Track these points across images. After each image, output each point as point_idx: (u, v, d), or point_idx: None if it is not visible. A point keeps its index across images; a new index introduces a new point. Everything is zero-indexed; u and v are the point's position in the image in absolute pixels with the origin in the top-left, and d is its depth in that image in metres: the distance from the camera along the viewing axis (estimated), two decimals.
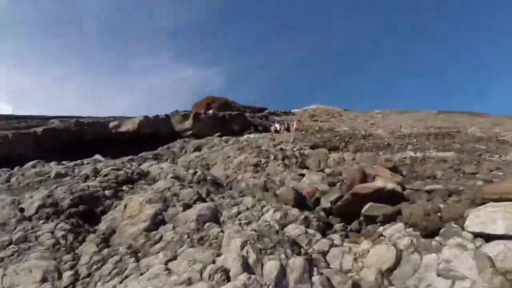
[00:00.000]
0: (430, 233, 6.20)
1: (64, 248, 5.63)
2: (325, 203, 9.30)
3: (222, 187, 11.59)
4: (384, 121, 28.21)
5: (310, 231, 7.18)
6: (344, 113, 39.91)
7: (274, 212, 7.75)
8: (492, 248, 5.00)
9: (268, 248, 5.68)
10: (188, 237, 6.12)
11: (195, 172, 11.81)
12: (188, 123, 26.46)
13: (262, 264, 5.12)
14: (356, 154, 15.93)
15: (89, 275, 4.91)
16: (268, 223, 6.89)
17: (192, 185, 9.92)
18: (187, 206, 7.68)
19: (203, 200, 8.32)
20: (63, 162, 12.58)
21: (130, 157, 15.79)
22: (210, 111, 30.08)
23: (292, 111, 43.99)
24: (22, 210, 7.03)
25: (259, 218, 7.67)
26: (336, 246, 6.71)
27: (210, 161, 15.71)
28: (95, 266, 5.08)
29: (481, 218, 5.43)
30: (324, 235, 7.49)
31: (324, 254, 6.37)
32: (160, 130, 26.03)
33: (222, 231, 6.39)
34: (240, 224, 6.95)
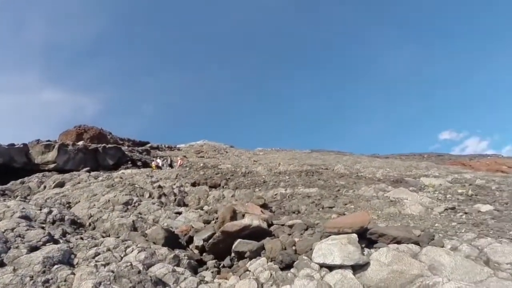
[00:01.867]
0: (286, 266, 6.47)
1: None
2: (198, 241, 9.08)
3: (83, 227, 10.43)
4: (265, 159, 30.18)
5: (179, 269, 6.94)
6: (230, 149, 41.19)
7: (139, 252, 7.23)
8: (332, 277, 5.43)
9: None
10: (31, 279, 5.57)
11: (50, 211, 10.46)
12: (51, 155, 22.13)
13: None
14: (236, 191, 16.36)
15: None
16: (129, 264, 6.41)
17: (44, 225, 9.07)
18: (33, 248, 6.84)
19: (55, 242, 7.64)
20: None
21: None
22: (81, 143, 26.26)
23: (178, 146, 42.74)
24: None
25: (121, 259, 7.05)
26: (206, 282, 6.64)
27: (73, 199, 13.83)
28: None
29: (322, 250, 5.91)
30: (196, 273, 7.37)
31: None
32: (15, 162, 21.56)
33: (74, 273, 5.98)
34: (96, 265, 6.30)
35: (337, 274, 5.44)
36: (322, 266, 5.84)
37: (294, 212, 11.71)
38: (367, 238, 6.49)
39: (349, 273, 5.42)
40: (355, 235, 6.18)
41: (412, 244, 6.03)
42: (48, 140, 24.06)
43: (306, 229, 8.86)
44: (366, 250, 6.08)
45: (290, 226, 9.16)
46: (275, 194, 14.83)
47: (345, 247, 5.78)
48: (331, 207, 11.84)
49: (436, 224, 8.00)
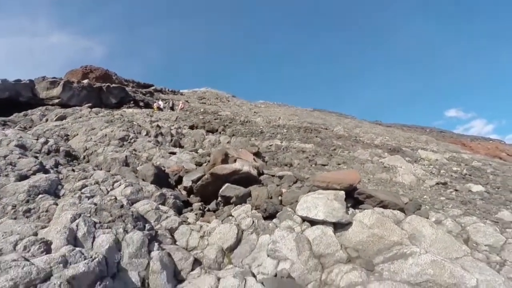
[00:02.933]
0: (269, 215, 6.48)
1: None
2: (186, 181, 9.08)
3: (77, 160, 10.40)
4: (266, 112, 29.81)
5: (164, 208, 6.97)
6: (232, 99, 40.62)
7: (126, 187, 7.26)
8: (312, 232, 5.41)
9: (105, 222, 5.42)
10: (13, 208, 5.65)
11: (47, 142, 10.42)
12: (56, 91, 22.45)
13: (94, 238, 4.88)
14: (232, 137, 16.31)
15: None
16: (114, 198, 6.42)
17: (38, 155, 9.04)
18: (22, 177, 6.97)
19: (46, 172, 7.65)
20: None
21: None
22: (86, 81, 25.95)
23: (181, 91, 42.24)
24: None
25: (107, 193, 7.08)
26: (188, 223, 6.65)
27: (71, 132, 13.79)
28: None
29: (308, 203, 5.82)
30: (180, 213, 7.38)
31: (172, 231, 6.22)
32: (21, 96, 21.58)
33: (56, 204, 5.98)
34: (80, 197, 6.32)
35: (318, 229, 5.42)
36: (304, 219, 5.82)
37: (286, 165, 11.73)
38: (354, 198, 6.42)
39: (329, 230, 5.40)
40: (342, 192, 6.08)
41: (398, 211, 5.99)
42: (54, 77, 23.79)
43: (295, 182, 8.82)
44: (351, 210, 6.03)
45: (280, 177, 9.13)
46: (270, 145, 14.78)
47: (330, 203, 5.71)
48: (324, 165, 11.83)
49: (425, 196, 8.00)
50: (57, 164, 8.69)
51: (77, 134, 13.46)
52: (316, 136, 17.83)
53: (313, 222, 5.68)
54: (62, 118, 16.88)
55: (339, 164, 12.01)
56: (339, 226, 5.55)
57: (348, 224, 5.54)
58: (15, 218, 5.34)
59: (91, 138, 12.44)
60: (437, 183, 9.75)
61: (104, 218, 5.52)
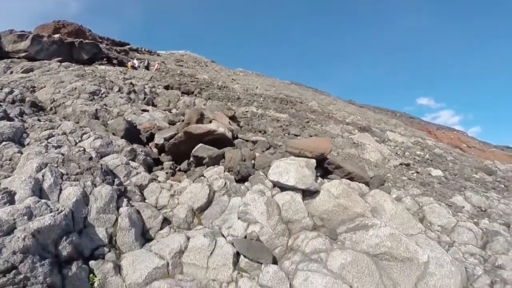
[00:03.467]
0: (242, 178, 6.55)
1: None
2: (159, 139, 8.82)
3: (44, 111, 9.75)
4: (244, 80, 29.29)
5: (134, 164, 6.77)
6: (211, 64, 39.39)
7: (95, 139, 6.91)
8: (282, 197, 5.55)
9: (73, 174, 5.24)
10: None
11: (12, 91, 9.79)
12: (23, 44, 20.46)
13: (61, 190, 4.71)
14: (208, 101, 15.99)
15: None
16: (82, 149, 6.11)
17: (1, 103, 8.61)
18: None
19: (10, 120, 7.20)
20: None
21: None
22: (57, 35, 23.95)
23: (158, 52, 40.20)
24: None
25: (75, 144, 6.72)
26: (158, 182, 6.54)
27: (38, 84, 12.82)
28: None
29: (279, 168, 5.90)
30: (150, 171, 7.19)
31: (142, 188, 6.10)
32: None
33: (21, 152, 5.69)
34: (46, 146, 6.00)
35: (287, 195, 5.56)
36: (275, 185, 5.92)
37: (260, 131, 11.80)
38: (324, 168, 6.62)
39: (298, 196, 5.56)
40: (313, 161, 6.20)
41: (363, 184, 6.28)
42: (23, 31, 21.62)
43: (269, 148, 8.90)
44: (320, 179, 6.23)
45: (254, 142, 9.19)
46: (246, 111, 14.72)
47: (301, 170, 5.81)
48: (297, 135, 12.02)
49: (388, 174, 8.40)
50: (22, 113, 8.16)
51: (45, 86, 12.51)
52: (291, 108, 17.91)
53: (283, 188, 5.81)
54: (28, 70, 15.64)
55: (311, 136, 12.22)
56: (307, 194, 5.72)
57: (316, 192, 5.72)
58: None
59: (60, 91, 11.64)
60: (401, 164, 10.26)
61: (71, 169, 5.31)
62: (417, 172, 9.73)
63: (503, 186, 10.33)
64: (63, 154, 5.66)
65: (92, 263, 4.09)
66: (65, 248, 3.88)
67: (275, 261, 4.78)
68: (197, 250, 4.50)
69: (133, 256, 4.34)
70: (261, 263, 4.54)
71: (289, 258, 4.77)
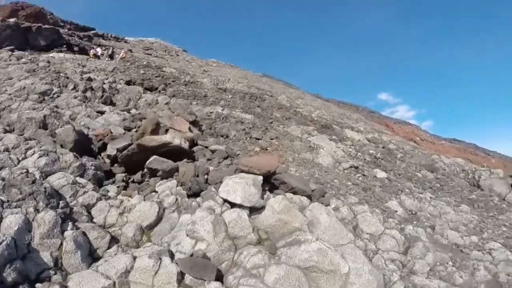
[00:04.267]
0: (193, 194, 6.83)
1: None
2: (111, 150, 8.73)
3: None
4: (216, 72, 29.11)
5: (82, 181, 6.77)
6: (182, 53, 38.56)
7: (40, 157, 6.80)
8: (229, 215, 5.93)
9: (14, 201, 5.21)
10: None
11: None
12: None
13: (2, 218, 4.72)
14: (172, 99, 15.92)
15: None
16: (25, 171, 6.05)
17: None
18: None
19: None
20: None
21: None
22: (13, 20, 22.14)
23: (126, 38, 38.36)
24: None
25: (18, 163, 6.62)
26: (108, 198, 6.64)
27: None
28: None
29: (228, 187, 6.33)
30: (100, 185, 7.23)
31: (89, 207, 6.20)
32: None
33: None
34: None
35: (234, 212, 5.97)
36: (225, 201, 6.27)
37: (223, 136, 11.96)
38: (271, 183, 7.11)
39: (245, 213, 5.99)
40: (261, 178, 6.68)
41: (305, 197, 6.87)
42: None
43: (226, 158, 9.14)
44: (267, 194, 6.70)
45: (212, 151, 9.40)
46: (211, 112, 14.85)
47: (248, 188, 6.25)
48: (258, 139, 12.43)
49: (335, 180, 9.12)
50: None
51: None
52: (258, 106, 18.29)
53: (232, 204, 6.19)
54: None
55: (271, 139, 12.75)
56: (254, 210, 6.18)
57: (262, 208, 6.20)
58: None
59: (6, 90, 11.06)
60: (351, 166, 11.06)
61: (13, 195, 5.28)
62: (364, 175, 10.56)
63: (439, 185, 11.45)
64: (3, 179, 5.61)
65: (38, 285, 4.30)
66: (9, 275, 4.12)
67: (220, 276, 5.14)
68: (143, 270, 4.73)
69: (80, 277, 4.55)
70: (205, 280, 4.91)
71: (233, 273, 5.15)
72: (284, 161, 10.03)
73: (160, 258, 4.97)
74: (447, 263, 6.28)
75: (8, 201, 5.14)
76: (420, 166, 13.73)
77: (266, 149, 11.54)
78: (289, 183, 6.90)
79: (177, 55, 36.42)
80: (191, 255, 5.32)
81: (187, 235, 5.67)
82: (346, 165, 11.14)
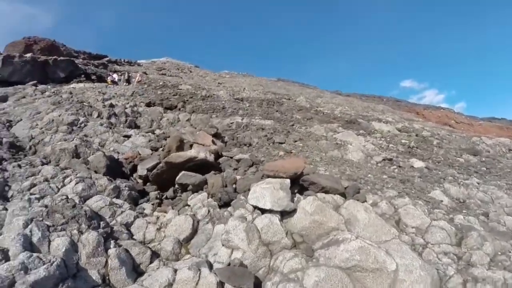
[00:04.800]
0: (224, 204, 6.77)
1: None
2: (141, 170, 8.96)
3: (23, 151, 9.81)
4: (230, 83, 29.39)
5: (118, 201, 6.96)
6: (194, 69, 39.39)
7: (77, 183, 7.12)
8: (261, 221, 5.76)
9: (59, 225, 5.42)
10: None
11: None
12: None
13: (50, 242, 4.99)
14: (192, 115, 16.12)
15: None
16: (65, 197, 6.35)
17: None
18: None
19: None
20: None
21: None
22: (29, 54, 23.34)
23: (138, 61, 39.80)
24: None
25: (58, 191, 6.95)
26: (144, 216, 6.76)
27: (14, 117, 12.74)
28: None
29: (256, 193, 6.15)
30: (136, 204, 7.43)
31: (128, 225, 6.34)
32: None
33: (6, 209, 5.92)
34: (29, 200, 6.23)
35: (266, 218, 5.78)
36: (255, 208, 6.14)
37: (245, 145, 11.91)
38: (300, 184, 6.83)
39: (276, 218, 5.77)
40: (288, 181, 6.46)
41: (338, 196, 6.48)
42: None
43: (252, 165, 9.09)
44: (297, 196, 6.44)
45: (237, 161, 9.38)
46: (231, 123, 14.84)
47: (276, 192, 6.06)
48: (281, 143, 12.18)
49: (369, 175, 8.60)
50: (1, 160, 8.25)
51: (21, 120, 12.50)
52: (277, 111, 18.07)
53: (262, 210, 6.04)
54: (3, 99, 15.34)
55: (295, 141, 12.42)
56: (285, 213, 5.97)
57: (293, 211, 5.96)
58: None
59: (37, 124, 11.65)
60: (384, 159, 10.47)
61: (57, 220, 5.53)
62: (399, 167, 9.94)
63: (485, 168, 10.56)
64: (46, 206, 5.89)
65: None
66: None
67: (258, 283, 5.03)
68: (184, 282, 4.74)
69: None
70: None
71: (270, 279, 5.01)
72: (311, 162, 9.66)
73: (199, 269, 4.98)
74: (510, 252, 5.60)
75: (53, 225, 5.39)
76: (461, 151, 12.83)
77: (291, 152, 11.22)
78: (319, 183, 6.54)
79: (190, 72, 37.21)
80: (229, 264, 5.31)
81: (222, 245, 5.62)
82: (379, 158, 10.56)
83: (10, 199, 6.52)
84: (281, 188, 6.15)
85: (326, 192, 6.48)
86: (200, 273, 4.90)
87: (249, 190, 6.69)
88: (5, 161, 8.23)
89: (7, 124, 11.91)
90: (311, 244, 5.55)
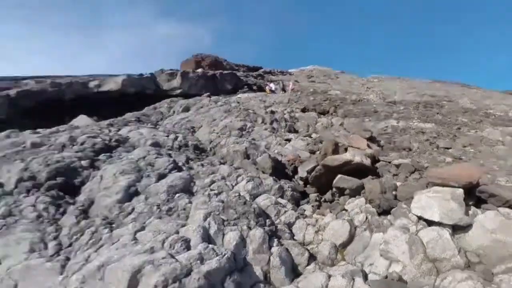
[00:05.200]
0: (383, 211, 6.60)
1: (47, 220, 5.89)
2: (302, 172, 9.51)
3: (205, 153, 11.52)
4: (379, 87, 27.98)
5: (282, 201, 7.46)
6: (341, 75, 39.22)
7: (247, 182, 7.87)
8: (427, 234, 5.34)
9: (232, 220, 5.99)
10: (158, 208, 6.35)
11: (176, 137, 11.42)
12: (176, 82, 25.07)
13: (223, 235, 5.55)
14: (344, 119, 16.33)
15: (70, 244, 5.38)
16: (238, 194, 6.95)
17: (171, 152, 9.80)
18: (161, 176, 7.74)
19: (179, 169, 8.44)
20: (38, 130, 10.75)
21: (109, 121, 14.54)
22: (199, 70, 28.66)
23: (289, 70, 42.77)
24: (1, 185, 6.93)
25: (232, 188, 7.71)
26: (305, 217, 7.07)
27: (196, 124, 15.27)
28: (75, 237, 5.53)
29: (422, 202, 5.77)
30: (298, 205, 7.81)
31: (290, 225, 6.72)
32: (146, 89, 24.65)
33: (191, 202, 6.66)
34: (209, 195, 6.97)
35: (433, 231, 5.36)
36: (420, 218, 5.77)
37: (404, 149, 11.24)
38: (476, 196, 6.05)
39: (446, 232, 5.29)
40: (460, 191, 5.78)
41: None
42: (171, 69, 26.74)
43: (413, 172, 8.54)
44: (473, 209, 5.74)
45: (397, 166, 8.97)
46: (386, 127, 14.29)
47: (446, 203, 5.55)
48: (447, 148, 11.00)
49: None
50: (188, 160, 9.32)
51: (202, 126, 14.68)
52: (438, 113, 16.23)
53: (429, 222, 5.62)
54: (186, 109, 18.70)
55: (464, 147, 10.99)
56: (458, 228, 5.40)
57: (468, 226, 5.36)
58: (160, 218, 5.98)
59: (214, 130, 13.54)
60: None
61: (230, 215, 6.09)
62: None
63: None
64: (222, 202, 6.50)
65: None
66: (229, 285, 4.58)
67: None
68: None
69: None
70: None
71: None
72: (488, 170, 8.39)
73: (353, 278, 4.92)
74: None
75: (227, 219, 5.96)
76: None
77: (460, 159, 10.00)
78: (501, 195, 5.70)
79: (337, 78, 37.16)
80: (385, 277, 5.10)
81: (380, 255, 5.43)
82: None
83: (194, 194, 7.22)
84: (453, 199, 5.62)
85: (510, 207, 5.63)
86: (353, 283, 4.79)
87: (412, 198, 6.31)
88: (191, 161, 9.39)
89: (192, 129, 14.15)
90: (491, 266, 4.88)
